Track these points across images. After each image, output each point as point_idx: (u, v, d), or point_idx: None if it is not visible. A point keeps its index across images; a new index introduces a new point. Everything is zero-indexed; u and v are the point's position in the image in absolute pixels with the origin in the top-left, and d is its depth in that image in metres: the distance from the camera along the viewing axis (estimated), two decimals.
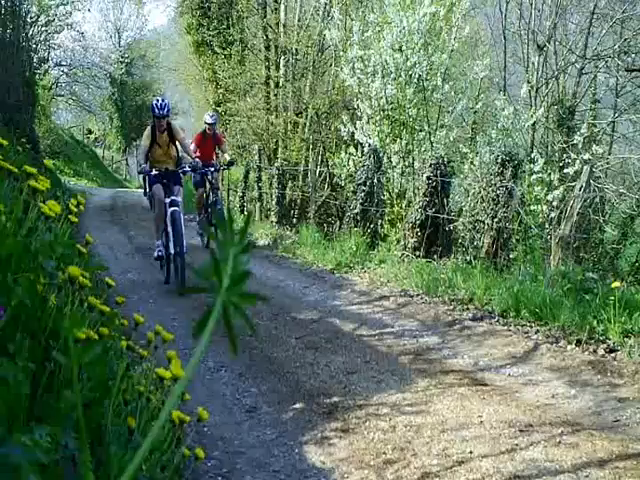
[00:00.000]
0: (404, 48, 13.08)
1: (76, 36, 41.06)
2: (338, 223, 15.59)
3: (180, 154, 11.11)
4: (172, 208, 9.93)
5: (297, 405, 5.30)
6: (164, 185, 10.19)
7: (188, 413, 3.01)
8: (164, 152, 10.54)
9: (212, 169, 13.30)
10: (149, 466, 2.64)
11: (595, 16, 20.35)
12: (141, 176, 23.20)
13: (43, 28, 34.47)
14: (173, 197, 10.07)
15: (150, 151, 10.46)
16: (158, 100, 10.44)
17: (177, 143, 10.73)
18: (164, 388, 3.03)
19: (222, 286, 0.86)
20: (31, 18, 31.58)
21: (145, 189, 22.17)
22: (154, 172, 10.08)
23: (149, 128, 10.53)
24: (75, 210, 3.56)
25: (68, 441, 1.99)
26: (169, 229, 9.83)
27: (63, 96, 45.46)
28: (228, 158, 14.01)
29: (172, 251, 9.72)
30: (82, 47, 44.42)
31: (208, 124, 14.22)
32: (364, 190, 12.81)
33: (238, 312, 0.85)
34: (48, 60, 38.16)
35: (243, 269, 0.87)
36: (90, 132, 55.08)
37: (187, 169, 10.73)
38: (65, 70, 43.79)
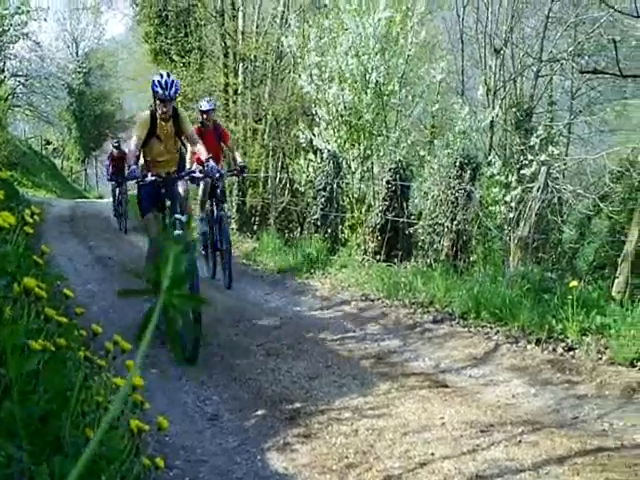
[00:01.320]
0: (360, 54, 13.13)
1: (32, 46, 40.72)
2: (299, 229, 15.60)
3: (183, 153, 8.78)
4: (176, 232, 6.88)
5: (259, 412, 5.30)
6: (161, 199, 7.64)
7: (148, 422, 3.00)
8: (166, 149, 7.97)
9: (217, 174, 8.58)
10: (108, 476, 2.63)
11: (550, 20, 20.64)
12: (110, 186, 21.35)
13: None
14: (177, 215, 7.28)
15: (146, 147, 7.84)
16: (162, 76, 7.52)
17: (183, 138, 8.17)
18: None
19: (162, 287, 0.86)
20: None
21: (115, 205, 19.98)
22: (150, 177, 7.28)
23: (146, 114, 7.78)
24: (30, 221, 3.54)
25: (21, 455, 1.98)
26: None
27: (20, 107, 44.91)
28: (239, 160, 10.58)
29: None
30: (39, 57, 43.99)
31: (204, 112, 10.81)
32: (324, 196, 12.84)
33: (179, 313, 0.85)
34: (4, 70, 37.89)
35: (184, 270, 0.87)
36: (48, 143, 54.58)
37: (198, 174, 7.99)
38: (22, 80, 43.31)
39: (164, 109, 7.61)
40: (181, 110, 8.16)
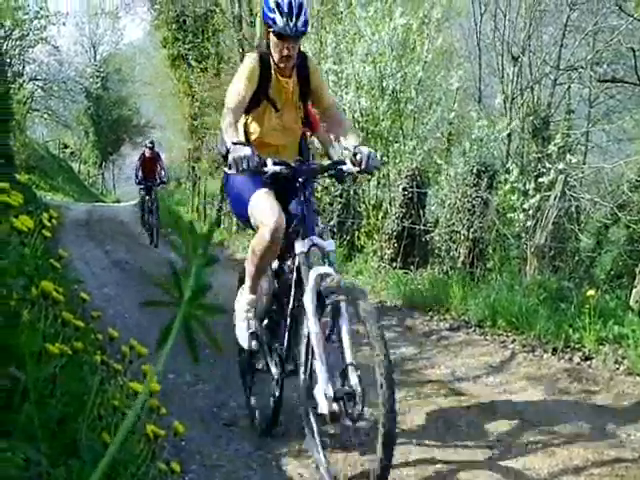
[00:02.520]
0: (377, 61, 13.10)
1: (51, 50, 41.09)
2: None
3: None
4: (321, 271, 4.16)
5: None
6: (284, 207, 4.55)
7: (165, 427, 3.00)
8: (283, 123, 4.89)
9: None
10: None
11: (568, 28, 20.59)
12: (138, 191, 18.85)
13: (17, 42, 34.41)
14: (318, 240, 4.31)
15: (250, 118, 4.88)
16: None
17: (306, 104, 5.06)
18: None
19: (183, 299, 0.86)
20: (5, 32, 31.53)
21: (144, 214, 17.74)
22: (272, 166, 4.28)
23: (253, 60, 4.71)
24: (48, 225, 3.55)
25: (39, 458, 1.98)
26: (316, 343, 4.16)
27: (38, 111, 45.25)
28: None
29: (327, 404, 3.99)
30: (57, 61, 44.43)
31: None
32: (340, 202, 12.84)
33: (199, 325, 0.85)
34: (23, 74, 38.14)
35: (205, 281, 0.87)
36: (66, 146, 54.94)
37: (350, 167, 4.53)
38: (40, 84, 43.62)
39: (286, 52, 4.62)
40: (311, 58, 5.19)
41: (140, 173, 17.60)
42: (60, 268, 3.53)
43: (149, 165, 17.73)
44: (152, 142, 18.81)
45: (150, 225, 17.41)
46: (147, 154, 17.84)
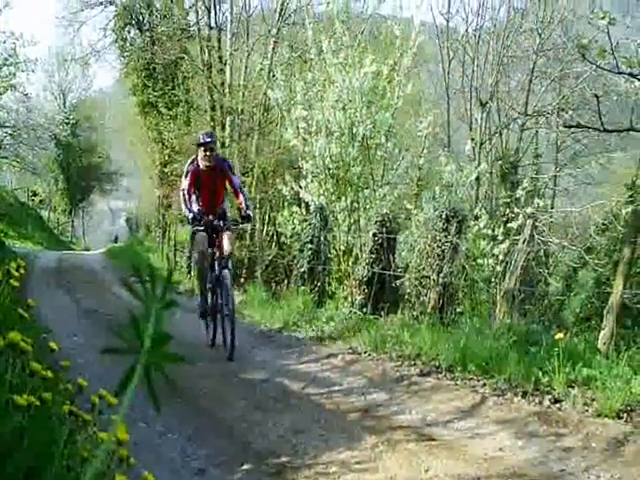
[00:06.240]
0: (347, 107, 13.20)
1: (20, 97, 40.99)
2: (286, 282, 15.56)
3: None
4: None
5: (245, 466, 5.25)
6: None
7: (134, 478, 2.98)
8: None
9: None
10: None
11: (535, 74, 20.95)
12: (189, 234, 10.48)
13: None
14: None
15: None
16: None
17: None
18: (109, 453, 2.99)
19: (144, 347, 0.87)
20: None
21: (204, 285, 9.42)
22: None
23: None
24: (16, 274, 3.55)
25: None
26: None
27: (7, 158, 45.04)
28: None
29: None
30: (26, 108, 44.30)
31: None
32: (311, 248, 12.87)
33: (159, 372, 0.86)
34: None
35: (165, 330, 0.89)
36: (35, 194, 54.68)
37: None
38: (9, 131, 43.51)
39: None
40: None
41: (193, 201, 9.16)
42: (28, 317, 3.52)
43: (211, 181, 9.35)
44: (211, 135, 10.03)
45: (215, 308, 9.39)
46: (203, 160, 9.24)
